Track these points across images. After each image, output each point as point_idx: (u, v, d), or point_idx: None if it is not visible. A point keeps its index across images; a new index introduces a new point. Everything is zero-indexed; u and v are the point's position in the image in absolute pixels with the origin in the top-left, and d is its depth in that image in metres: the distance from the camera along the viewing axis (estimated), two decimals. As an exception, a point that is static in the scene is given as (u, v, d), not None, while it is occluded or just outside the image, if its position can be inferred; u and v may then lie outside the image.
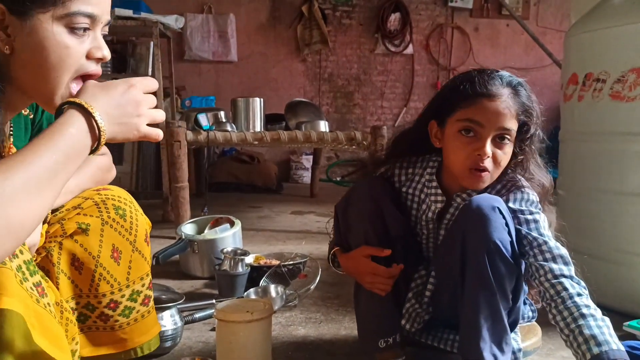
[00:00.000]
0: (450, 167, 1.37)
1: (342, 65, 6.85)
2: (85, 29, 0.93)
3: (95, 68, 0.96)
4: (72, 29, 0.92)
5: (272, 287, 2.12)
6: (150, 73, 5.04)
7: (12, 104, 0.97)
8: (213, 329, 1.80)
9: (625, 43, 2.00)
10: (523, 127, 1.33)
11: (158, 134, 0.95)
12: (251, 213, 4.34)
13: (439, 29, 6.74)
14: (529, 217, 1.29)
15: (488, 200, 1.25)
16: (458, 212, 1.34)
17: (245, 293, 2.09)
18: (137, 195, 5.00)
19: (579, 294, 1.23)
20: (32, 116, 1.17)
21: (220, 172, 5.59)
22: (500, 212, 1.24)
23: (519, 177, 1.36)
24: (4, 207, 0.69)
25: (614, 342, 1.13)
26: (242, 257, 2.20)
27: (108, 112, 0.86)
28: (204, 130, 3.38)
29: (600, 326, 1.16)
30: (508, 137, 1.29)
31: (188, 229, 2.63)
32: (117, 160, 4.99)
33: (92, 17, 0.93)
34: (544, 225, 1.31)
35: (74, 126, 0.82)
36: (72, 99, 0.85)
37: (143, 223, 1.19)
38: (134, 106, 0.90)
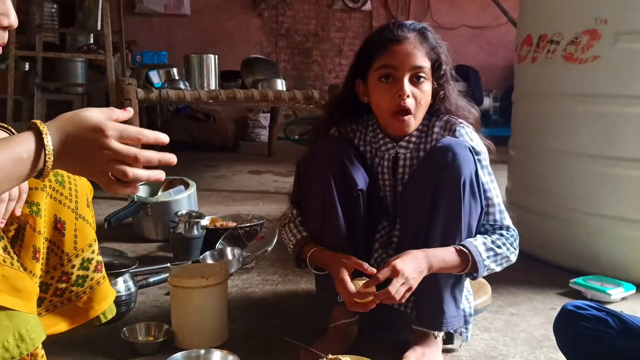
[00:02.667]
0: (378, 117, 1.45)
1: (299, 21, 6.71)
2: None
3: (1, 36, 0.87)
4: None
5: (228, 250, 2.10)
6: (99, 27, 4.82)
7: None
8: (168, 293, 1.78)
9: (580, 4, 2.01)
10: (435, 64, 1.42)
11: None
12: (207, 173, 4.29)
13: (398, -15, 6.68)
14: (480, 157, 1.38)
15: (458, 140, 1.35)
16: (428, 155, 1.39)
17: (201, 256, 2.07)
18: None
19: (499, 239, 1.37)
20: None
21: (175, 130, 5.44)
22: (471, 150, 1.33)
23: (453, 117, 1.45)
24: None
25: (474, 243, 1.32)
26: (197, 219, 2.17)
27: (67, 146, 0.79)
28: (156, 89, 3.27)
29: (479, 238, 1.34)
30: (423, 75, 1.38)
31: (141, 191, 2.57)
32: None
33: None
34: (487, 164, 1.41)
35: (25, 150, 0.77)
36: (35, 121, 0.78)
37: (83, 187, 1.13)
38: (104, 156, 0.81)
